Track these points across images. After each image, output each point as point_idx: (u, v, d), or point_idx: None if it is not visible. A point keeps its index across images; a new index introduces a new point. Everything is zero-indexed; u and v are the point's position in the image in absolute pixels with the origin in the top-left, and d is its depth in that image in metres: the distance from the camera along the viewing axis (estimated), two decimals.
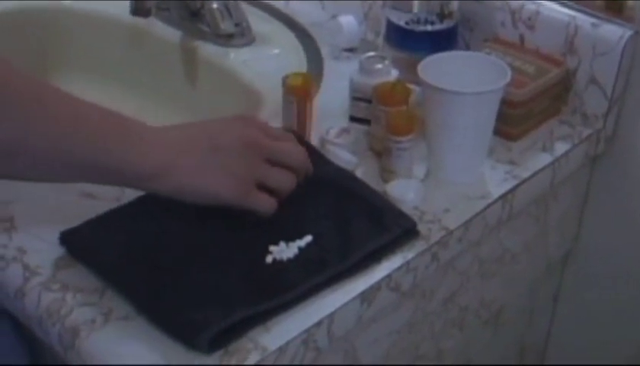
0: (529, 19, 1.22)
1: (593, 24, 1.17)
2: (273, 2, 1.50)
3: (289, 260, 0.95)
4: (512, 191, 1.09)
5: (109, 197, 1.03)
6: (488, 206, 1.07)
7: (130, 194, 1.02)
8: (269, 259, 0.95)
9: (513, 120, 1.15)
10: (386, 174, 1.09)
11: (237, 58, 1.37)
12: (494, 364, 1.36)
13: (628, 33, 1.15)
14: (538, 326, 1.43)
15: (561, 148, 1.17)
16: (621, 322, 1.38)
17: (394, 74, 1.17)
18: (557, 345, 1.48)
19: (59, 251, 0.98)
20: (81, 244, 0.98)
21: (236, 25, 1.38)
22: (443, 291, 1.11)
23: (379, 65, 1.16)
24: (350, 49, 1.37)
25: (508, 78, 1.05)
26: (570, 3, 1.20)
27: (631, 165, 1.25)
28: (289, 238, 0.97)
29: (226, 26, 1.37)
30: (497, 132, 1.11)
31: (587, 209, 1.33)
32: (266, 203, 0.98)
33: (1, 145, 0.84)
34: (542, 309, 1.41)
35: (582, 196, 1.31)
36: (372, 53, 1.19)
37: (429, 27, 1.24)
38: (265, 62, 1.35)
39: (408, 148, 1.07)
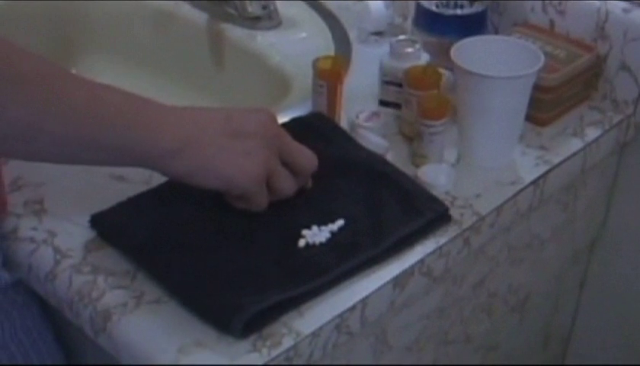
0: (560, 4, 1.21)
1: (624, 9, 1.16)
2: None
3: (322, 244, 0.95)
4: (543, 176, 1.09)
5: (139, 180, 1.03)
6: (520, 191, 1.06)
7: (159, 178, 1.01)
8: (301, 243, 0.95)
9: (543, 105, 1.14)
10: (417, 159, 1.08)
11: (264, 41, 1.36)
12: (519, 350, 1.36)
13: None
14: (563, 313, 1.43)
15: (591, 134, 1.16)
16: None
17: (424, 58, 1.16)
18: (582, 332, 1.47)
19: (89, 233, 0.98)
20: (112, 226, 0.97)
21: (263, 8, 1.37)
22: (472, 277, 1.11)
23: (410, 49, 1.15)
24: (378, 33, 1.35)
25: (541, 64, 1.04)
26: None
27: None
28: (322, 222, 0.97)
29: (253, 8, 1.37)
30: (527, 117, 1.10)
31: (614, 196, 1.32)
32: (263, 202, 0.96)
33: (16, 128, 0.83)
34: (567, 297, 1.41)
35: (610, 183, 1.30)
36: (402, 37, 1.18)
37: (459, 11, 1.23)
38: (293, 45, 1.35)
39: (440, 132, 1.06)
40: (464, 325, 1.16)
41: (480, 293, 1.15)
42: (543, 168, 1.09)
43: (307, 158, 0.98)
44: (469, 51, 1.06)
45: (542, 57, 1.04)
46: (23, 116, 0.82)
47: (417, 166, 1.07)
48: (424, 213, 0.99)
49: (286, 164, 0.96)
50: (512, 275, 1.19)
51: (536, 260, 1.22)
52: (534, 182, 1.08)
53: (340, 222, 0.97)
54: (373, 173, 1.04)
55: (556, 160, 1.11)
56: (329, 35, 1.37)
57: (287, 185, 0.97)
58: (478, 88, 1.04)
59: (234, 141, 0.91)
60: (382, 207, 1.00)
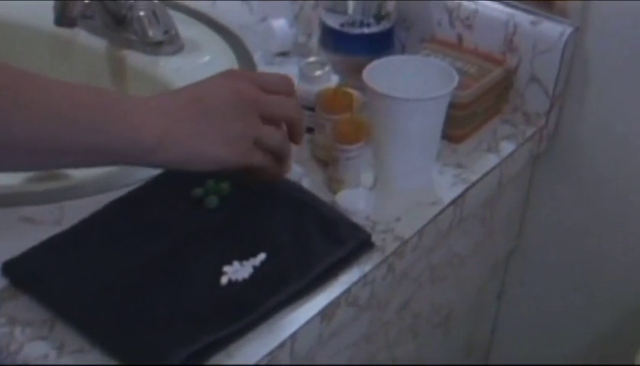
0: (467, 18, 1.21)
1: (532, 22, 1.16)
2: (197, 4, 1.46)
3: (245, 280, 0.93)
4: (462, 195, 1.08)
5: (49, 220, 1.00)
6: (440, 212, 1.05)
7: (71, 216, 0.99)
8: (224, 280, 0.92)
9: (458, 122, 1.13)
10: (334, 184, 1.06)
11: (167, 66, 1.33)
12: (442, 362, 1.36)
13: (569, 30, 1.14)
14: (483, 324, 1.43)
15: (506, 148, 1.16)
16: (563, 318, 1.39)
17: (334, 79, 1.15)
18: (501, 342, 1.48)
19: (1, 281, 0.93)
20: (26, 273, 0.93)
21: (165, 32, 1.34)
22: (397, 300, 1.09)
23: (319, 72, 1.13)
24: (283, 53, 1.34)
25: (455, 83, 1.03)
26: (507, 1, 1.19)
27: (572, 161, 1.25)
28: (243, 257, 0.95)
29: (155, 33, 1.33)
30: (442, 134, 1.09)
31: (528, 206, 1.33)
32: (264, 161, 0.93)
33: None
34: (487, 308, 1.41)
35: (524, 194, 1.30)
36: (312, 59, 1.16)
37: (365, 30, 1.21)
38: (197, 70, 1.30)
39: (357, 156, 1.04)
40: (390, 349, 1.14)
41: (405, 316, 1.13)
42: (462, 187, 1.09)
43: (287, 107, 0.95)
44: (381, 72, 1.05)
45: (456, 76, 1.03)
46: None
47: (335, 192, 1.05)
48: (347, 242, 0.97)
49: (269, 119, 0.93)
50: (435, 294, 1.18)
51: (457, 276, 1.22)
52: (454, 202, 1.07)
53: (262, 256, 0.95)
54: (292, 202, 1.02)
55: (474, 178, 1.10)
56: (233, 57, 1.33)
57: (278, 141, 0.93)
58: (392, 110, 1.02)
59: (209, 122, 0.89)
60: (304, 237, 0.97)
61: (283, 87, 0.95)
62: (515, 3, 1.18)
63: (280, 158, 0.95)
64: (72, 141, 0.83)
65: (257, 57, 1.34)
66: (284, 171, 0.97)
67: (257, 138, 0.91)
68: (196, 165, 0.89)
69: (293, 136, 0.96)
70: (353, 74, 1.17)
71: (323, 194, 1.05)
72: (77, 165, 0.90)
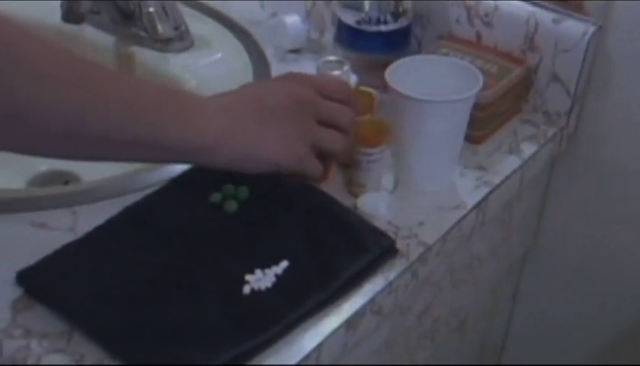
0: (487, 15, 1.18)
1: (554, 20, 1.14)
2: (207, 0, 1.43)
3: (268, 289, 0.90)
4: (485, 198, 1.06)
5: (62, 227, 0.97)
6: (464, 216, 1.03)
7: (84, 223, 0.96)
8: (246, 290, 0.90)
9: (479, 123, 1.10)
10: (355, 188, 1.03)
11: (177, 63, 1.30)
12: (455, 361, 1.34)
13: (592, 28, 1.11)
14: (497, 324, 1.41)
15: (527, 149, 1.13)
16: (576, 319, 1.37)
17: (353, 79, 1.12)
18: (515, 343, 1.46)
19: (16, 291, 0.90)
20: (41, 283, 0.90)
21: (175, 28, 1.31)
22: (418, 306, 1.07)
23: (338, 71, 1.11)
24: (296, 50, 1.31)
25: (480, 84, 1.00)
26: None
27: (591, 162, 1.23)
28: (265, 265, 0.92)
29: (164, 29, 1.30)
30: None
31: (546, 207, 1.30)
32: (317, 169, 0.94)
33: (61, 127, 0.80)
34: (501, 309, 1.39)
35: (542, 194, 1.28)
36: (330, 58, 1.13)
37: (382, 27, 1.19)
38: (208, 67, 1.29)
39: (379, 159, 1.02)
40: (410, 354, 1.12)
41: (425, 321, 1.11)
42: (484, 190, 1.06)
43: (344, 115, 0.95)
44: (403, 72, 1.02)
45: (481, 77, 1.01)
46: (67, 115, 0.79)
47: (356, 196, 1.02)
48: (371, 249, 0.94)
49: (328, 124, 0.93)
50: (453, 298, 1.16)
51: (475, 279, 1.20)
52: (477, 205, 1.04)
53: (285, 263, 0.92)
54: (313, 207, 0.99)
55: (496, 180, 1.08)
56: (245, 55, 1.31)
57: (336, 144, 0.94)
58: (417, 112, 0.99)
59: (267, 123, 0.89)
60: (327, 243, 0.95)
61: (341, 94, 0.95)
62: (536, 1, 1.15)
63: (332, 161, 0.97)
64: (135, 135, 0.83)
65: (269, 54, 1.31)
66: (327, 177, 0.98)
67: (314, 141, 0.91)
68: (250, 166, 0.90)
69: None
70: (368, 72, 1.15)
71: (344, 198, 1.02)
72: (134, 159, 0.90)
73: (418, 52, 1.24)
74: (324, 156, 0.94)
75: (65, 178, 1.26)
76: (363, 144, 1.01)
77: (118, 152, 0.85)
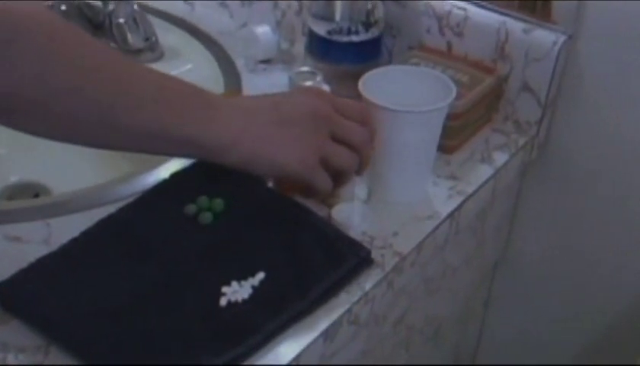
0: (458, 25, 1.19)
1: (524, 30, 1.14)
2: (175, 10, 1.43)
3: (245, 301, 0.89)
4: (459, 208, 1.06)
5: (36, 240, 0.97)
6: (438, 226, 1.03)
7: (58, 236, 0.95)
8: (223, 302, 0.89)
9: (451, 133, 1.11)
10: (330, 199, 1.03)
11: None
12: None
13: (562, 38, 1.12)
14: (470, 332, 1.41)
15: (499, 158, 1.14)
16: (548, 326, 1.38)
17: (326, 90, 1.12)
18: (487, 349, 1.47)
19: None
20: (17, 297, 0.89)
21: (145, 40, 1.30)
22: (394, 315, 1.08)
23: (310, 82, 1.11)
24: (267, 61, 1.31)
25: (454, 94, 1.01)
26: (500, 9, 1.17)
27: (562, 170, 1.24)
28: (241, 276, 0.91)
29: (135, 40, 1.30)
30: None
31: (517, 215, 1.31)
32: (325, 183, 0.97)
33: (90, 113, 0.85)
34: (474, 316, 1.39)
35: (513, 202, 1.29)
36: (303, 68, 1.13)
37: (354, 38, 1.19)
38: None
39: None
40: (386, 362, 1.13)
41: (400, 330, 1.12)
42: (458, 200, 1.07)
43: (358, 134, 0.97)
44: (376, 82, 1.02)
45: (454, 88, 1.01)
46: (96, 102, 0.85)
47: (330, 206, 1.02)
48: (347, 259, 0.95)
49: (342, 141, 0.96)
50: (428, 306, 1.17)
51: (449, 287, 1.20)
52: (450, 215, 1.05)
53: (261, 274, 0.92)
54: (288, 217, 0.99)
55: (469, 190, 1.08)
56: (215, 65, 1.31)
57: (346, 162, 0.97)
58: (391, 122, 1.00)
59: (283, 129, 0.93)
60: (303, 254, 0.95)
61: (358, 114, 0.98)
62: (507, 10, 1.16)
63: (340, 179, 0.98)
64: (161, 127, 0.88)
65: (239, 64, 1.31)
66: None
67: (325, 155, 0.94)
68: (262, 168, 0.94)
69: (358, 166, 0.99)
70: (340, 82, 1.16)
71: (318, 209, 1.02)
72: (155, 152, 0.94)
73: (389, 62, 1.24)
74: (332, 172, 0.96)
75: (35, 191, 1.25)
76: None
77: (140, 143, 0.89)
